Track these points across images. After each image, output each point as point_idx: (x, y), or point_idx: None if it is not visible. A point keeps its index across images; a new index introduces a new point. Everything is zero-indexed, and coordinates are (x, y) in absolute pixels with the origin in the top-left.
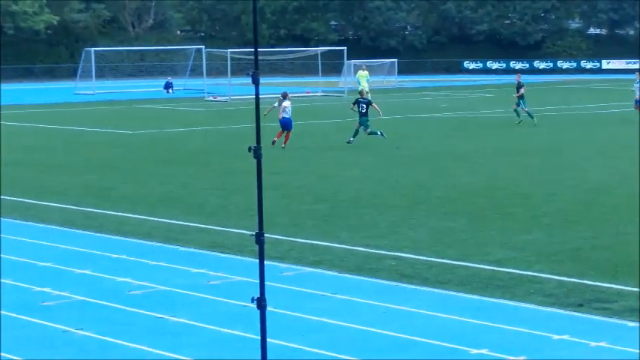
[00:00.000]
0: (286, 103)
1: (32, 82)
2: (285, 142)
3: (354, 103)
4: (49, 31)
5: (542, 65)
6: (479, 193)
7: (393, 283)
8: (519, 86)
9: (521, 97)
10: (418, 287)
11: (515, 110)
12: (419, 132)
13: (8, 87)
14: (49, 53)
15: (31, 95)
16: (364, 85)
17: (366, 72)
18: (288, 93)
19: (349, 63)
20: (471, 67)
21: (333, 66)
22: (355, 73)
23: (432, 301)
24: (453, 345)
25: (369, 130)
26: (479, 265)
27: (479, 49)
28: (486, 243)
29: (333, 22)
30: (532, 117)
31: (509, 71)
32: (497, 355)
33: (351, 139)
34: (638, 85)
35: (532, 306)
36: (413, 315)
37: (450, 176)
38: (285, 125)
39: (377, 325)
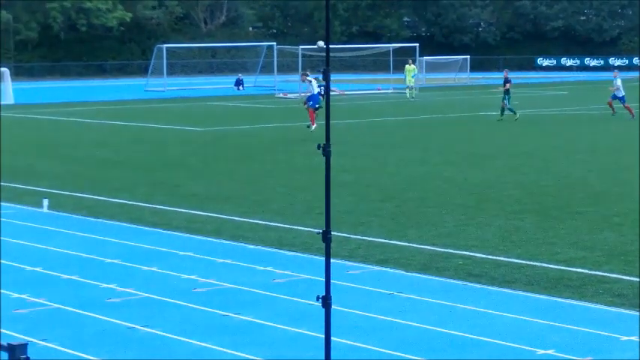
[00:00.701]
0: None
1: (104, 79)
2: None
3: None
4: (121, 28)
5: (617, 62)
6: (548, 191)
7: (460, 283)
8: (506, 81)
9: (506, 92)
10: (485, 286)
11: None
12: (488, 130)
13: (80, 83)
14: (121, 50)
15: (102, 92)
16: (410, 80)
17: (413, 66)
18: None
19: (421, 60)
20: (544, 64)
21: (404, 63)
22: (427, 70)
23: (499, 301)
24: (520, 345)
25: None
26: (547, 265)
27: (553, 46)
28: (555, 242)
29: (405, 19)
30: (514, 112)
31: (583, 68)
32: (564, 355)
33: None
34: (618, 81)
35: (601, 306)
36: (479, 314)
37: (518, 175)
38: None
39: (443, 325)
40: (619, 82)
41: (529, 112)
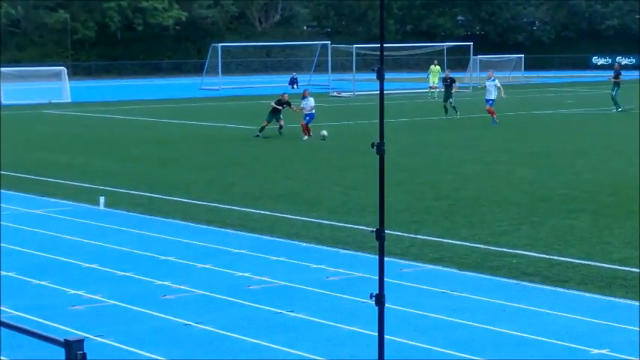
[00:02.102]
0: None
1: (159, 78)
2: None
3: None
4: (177, 27)
5: None
6: (602, 190)
7: (513, 281)
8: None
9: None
10: (539, 285)
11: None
12: (542, 128)
13: (136, 82)
14: (176, 49)
15: (157, 90)
16: (434, 80)
17: (437, 67)
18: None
19: (475, 58)
20: (599, 63)
21: (458, 61)
22: (481, 69)
23: (553, 300)
24: (574, 344)
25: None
26: (601, 264)
27: (608, 45)
28: (609, 241)
29: (459, 18)
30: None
31: (639, 67)
32: (619, 355)
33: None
34: (491, 83)
35: None
36: (533, 313)
37: (572, 173)
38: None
39: (496, 324)
40: None
41: (583, 110)
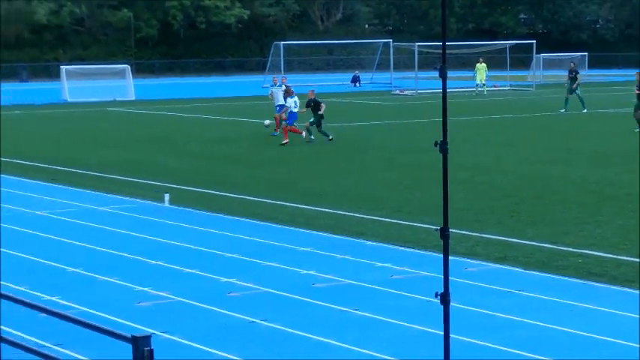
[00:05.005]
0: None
1: (222, 76)
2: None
3: (306, 106)
4: (239, 25)
5: None
6: None
7: (580, 281)
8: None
9: None
10: (606, 285)
11: None
12: (606, 128)
13: (199, 80)
14: (239, 47)
15: (220, 88)
16: (482, 77)
17: (483, 64)
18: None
19: (538, 57)
20: None
21: (521, 60)
22: (544, 67)
23: (620, 300)
24: None
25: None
26: None
27: None
28: None
29: (522, 16)
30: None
31: None
32: None
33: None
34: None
35: None
36: (600, 314)
37: (638, 173)
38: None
39: (563, 324)
40: None
41: None
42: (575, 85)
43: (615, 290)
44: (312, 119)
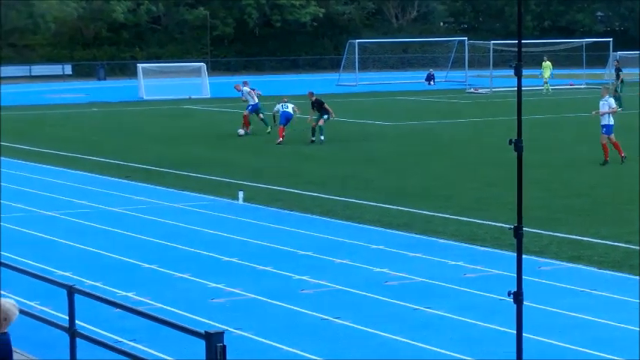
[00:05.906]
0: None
1: (297, 74)
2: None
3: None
4: (314, 24)
5: None
6: None
7: None
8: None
9: None
10: None
11: None
12: None
13: (274, 78)
14: (313, 45)
15: (295, 86)
16: (547, 76)
17: (549, 63)
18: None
19: (615, 55)
20: None
21: (597, 58)
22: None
23: None
24: None
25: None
26: None
27: None
28: None
29: (599, 13)
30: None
31: None
32: None
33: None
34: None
35: None
36: None
37: None
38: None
39: (636, 324)
40: None
41: None
42: (618, 83)
43: None
44: (314, 116)
